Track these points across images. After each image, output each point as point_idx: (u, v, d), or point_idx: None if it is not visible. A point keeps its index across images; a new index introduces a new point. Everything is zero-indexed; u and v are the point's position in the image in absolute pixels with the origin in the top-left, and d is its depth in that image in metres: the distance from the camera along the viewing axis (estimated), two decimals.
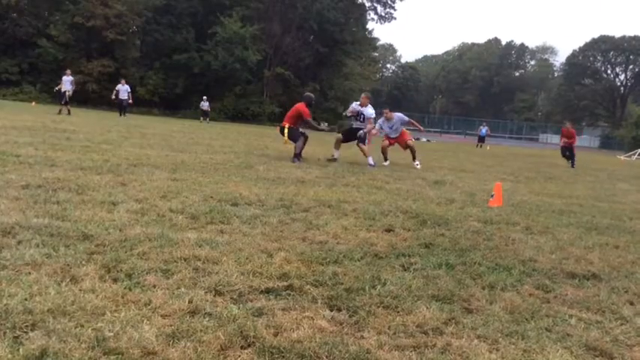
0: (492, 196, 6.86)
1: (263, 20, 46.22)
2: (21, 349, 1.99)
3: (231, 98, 45.03)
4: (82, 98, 37.63)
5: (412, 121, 13.08)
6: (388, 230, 4.66)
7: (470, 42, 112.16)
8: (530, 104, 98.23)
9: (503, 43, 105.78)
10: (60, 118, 18.22)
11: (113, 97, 26.40)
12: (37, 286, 2.59)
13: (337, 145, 11.81)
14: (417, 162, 11.91)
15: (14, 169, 5.91)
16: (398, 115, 12.49)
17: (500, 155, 24.32)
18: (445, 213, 5.75)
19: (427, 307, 2.82)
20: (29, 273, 2.76)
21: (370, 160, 11.14)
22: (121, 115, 25.75)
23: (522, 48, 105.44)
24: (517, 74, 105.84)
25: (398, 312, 2.75)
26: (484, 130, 36.33)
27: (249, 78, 45.34)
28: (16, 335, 2.10)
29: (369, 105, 11.87)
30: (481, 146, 34.14)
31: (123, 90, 25.97)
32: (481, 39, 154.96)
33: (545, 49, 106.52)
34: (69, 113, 21.28)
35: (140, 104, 41.25)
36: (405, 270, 3.52)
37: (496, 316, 2.82)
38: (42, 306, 2.35)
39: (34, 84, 38.87)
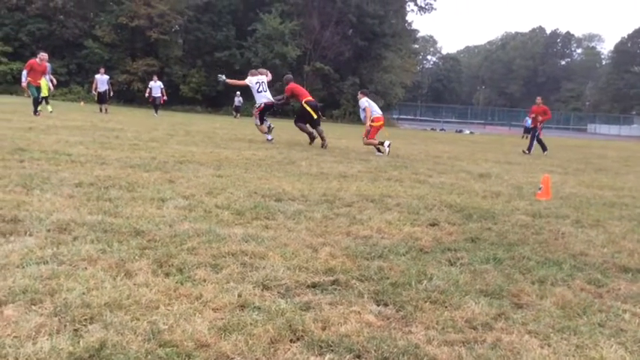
0: (540, 188, 6.70)
1: (302, 16, 46.29)
2: (81, 342, 2.07)
3: (272, 94, 45.31)
4: (127, 97, 38.67)
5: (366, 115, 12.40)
6: (433, 224, 4.63)
7: (513, 31, 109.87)
8: (577, 94, 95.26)
9: (548, 31, 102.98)
10: (108, 117, 18.76)
11: (147, 95, 25.95)
12: (94, 280, 2.69)
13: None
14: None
15: (67, 167, 6.13)
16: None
17: (547, 146, 23.67)
18: (491, 207, 5.67)
19: (476, 302, 2.80)
20: (86, 268, 2.87)
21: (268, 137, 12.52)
22: (102, 110, 22.58)
23: (568, 36, 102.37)
24: (563, 63, 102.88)
25: (446, 307, 2.73)
26: (530, 121, 35.44)
27: (288, 73, 45.56)
28: (75, 328, 2.19)
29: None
30: (527, 137, 33.34)
31: (155, 87, 25.44)
32: (525, 28, 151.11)
33: (592, 37, 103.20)
34: (106, 112, 21.74)
35: (183, 102, 42.14)
36: (452, 265, 3.50)
37: (547, 312, 2.77)
38: (99, 300, 2.45)
39: (82, 84, 40.11)
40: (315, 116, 12.80)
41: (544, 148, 16.93)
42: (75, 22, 41.92)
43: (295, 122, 13.53)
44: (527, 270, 3.47)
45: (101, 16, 42.16)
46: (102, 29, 41.43)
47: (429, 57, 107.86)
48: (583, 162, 14.38)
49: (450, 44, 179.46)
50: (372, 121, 12.06)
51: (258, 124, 13.13)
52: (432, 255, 3.68)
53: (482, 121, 64.58)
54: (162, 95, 25.62)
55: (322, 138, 12.40)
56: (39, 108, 15.99)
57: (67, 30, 41.59)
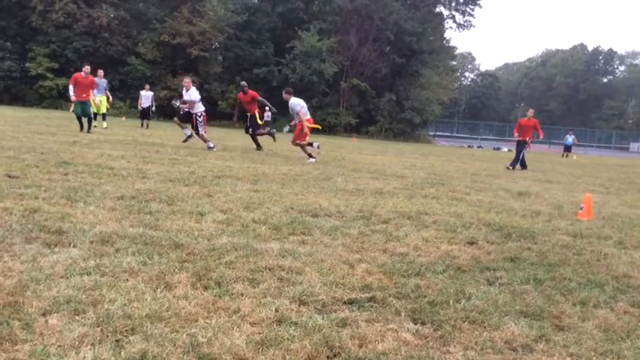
0: (582, 208, 6.54)
1: (340, 33, 46.66)
2: (122, 353, 2.12)
3: (309, 110, 45.62)
4: (168, 112, 39.48)
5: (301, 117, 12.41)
6: (471, 243, 4.56)
7: (554, 48, 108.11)
8: (619, 112, 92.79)
9: (590, 48, 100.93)
10: (149, 132, 19.21)
11: (138, 104, 23.68)
12: (135, 292, 2.75)
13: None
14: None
15: (109, 180, 6.30)
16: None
17: (588, 165, 23.14)
18: (531, 226, 5.55)
19: (515, 323, 2.74)
20: (127, 280, 2.94)
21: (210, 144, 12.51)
22: (142, 125, 22.57)
23: (610, 53, 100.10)
24: (605, 80, 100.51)
25: (484, 327, 2.69)
26: (570, 138, 34.66)
27: (325, 90, 45.86)
28: (117, 339, 2.24)
29: (193, 88, 12.90)
30: (567, 156, 32.64)
31: (146, 97, 23.24)
32: (565, 45, 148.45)
33: (636, 54, 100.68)
34: (147, 127, 22.19)
35: (221, 117, 42.83)
36: (491, 284, 3.44)
37: (589, 334, 2.69)
38: (140, 311, 2.49)
39: (124, 100, 41.23)
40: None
41: (523, 166, 15.53)
42: (119, 40, 43.23)
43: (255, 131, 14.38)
44: (568, 291, 3.39)
45: (144, 33, 43.37)
46: (144, 46, 42.61)
47: (467, 74, 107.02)
48: (626, 181, 13.96)
49: (488, 61, 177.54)
50: (308, 122, 12.15)
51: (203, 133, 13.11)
52: (470, 274, 3.63)
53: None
54: (152, 106, 23.56)
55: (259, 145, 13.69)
56: (94, 124, 16.16)
57: (111, 47, 42.91)
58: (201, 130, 12.84)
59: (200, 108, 12.89)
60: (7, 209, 4.24)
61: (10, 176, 5.86)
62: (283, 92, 12.84)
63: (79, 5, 41.62)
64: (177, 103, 13.16)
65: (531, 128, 15.64)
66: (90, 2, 42.73)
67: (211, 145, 12.68)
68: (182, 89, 13.29)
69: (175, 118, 13.52)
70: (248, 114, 14.46)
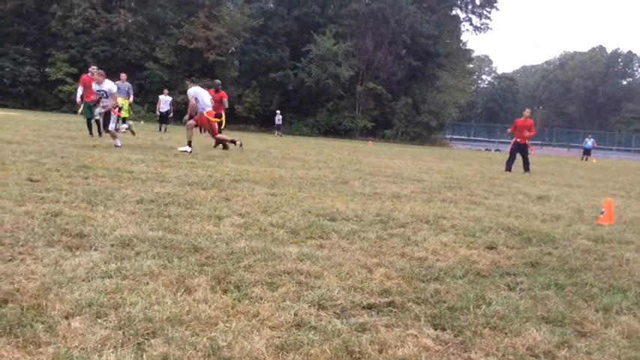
0: (602, 212, 6.45)
1: (355, 36, 46.75)
2: (144, 356, 2.13)
3: (324, 114, 45.85)
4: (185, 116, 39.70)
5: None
6: (490, 248, 4.52)
7: (572, 51, 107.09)
8: (639, 114, 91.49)
9: (609, 51, 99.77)
10: (167, 136, 19.38)
11: (157, 109, 24.08)
12: (155, 295, 2.77)
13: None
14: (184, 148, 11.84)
15: (129, 184, 6.36)
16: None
17: (608, 169, 22.85)
18: (551, 230, 5.49)
19: (537, 330, 2.71)
20: (147, 283, 2.96)
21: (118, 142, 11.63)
22: (161, 129, 23.08)
23: (630, 56, 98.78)
24: (624, 83, 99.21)
25: (506, 333, 2.66)
26: (590, 142, 34.29)
27: (341, 93, 45.96)
28: (139, 342, 2.25)
29: (106, 80, 12.06)
30: (587, 159, 32.31)
31: (165, 101, 23.73)
32: (584, 47, 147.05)
33: None
34: (165, 131, 22.37)
35: (238, 121, 43.10)
36: (511, 290, 3.40)
37: (612, 341, 2.65)
38: (161, 315, 2.51)
39: (142, 104, 41.66)
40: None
41: (526, 168, 15.14)
42: (137, 45, 43.74)
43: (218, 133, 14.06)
44: (590, 297, 3.34)
45: (162, 38, 43.82)
46: (162, 51, 43.04)
47: (484, 76, 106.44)
48: None
49: (506, 64, 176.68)
50: (208, 115, 12.13)
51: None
52: (490, 279, 3.60)
53: (539, 142, 62.82)
54: (171, 110, 24.12)
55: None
56: (125, 127, 16.19)
57: (129, 52, 43.42)
58: (111, 126, 11.93)
59: (109, 102, 11.93)
60: (29, 213, 4.30)
61: (31, 180, 5.94)
62: (189, 83, 13.00)
63: (98, 11, 42.25)
64: (97, 113, 12.17)
65: (528, 128, 15.17)
66: (108, 8, 43.38)
67: (118, 144, 11.65)
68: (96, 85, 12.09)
69: (186, 119, 12.96)
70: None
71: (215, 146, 13.71)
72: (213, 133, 12.55)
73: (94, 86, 12.10)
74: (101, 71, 12.42)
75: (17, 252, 3.30)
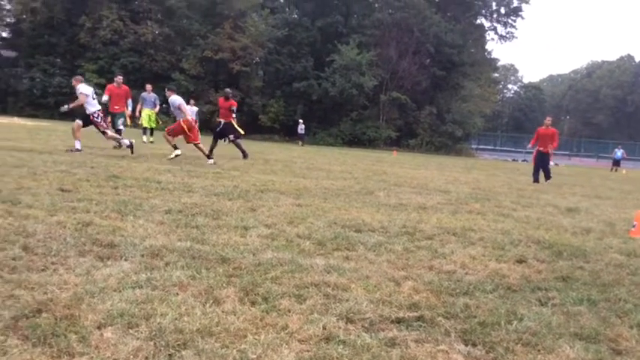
0: (634, 225, 6.31)
1: (379, 46, 46.77)
2: None
3: (348, 123, 45.87)
4: (211, 126, 40.15)
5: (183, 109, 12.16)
6: (520, 261, 4.45)
7: (599, 59, 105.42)
8: None
9: (637, 59, 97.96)
10: (192, 146, 19.53)
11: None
12: (185, 306, 2.78)
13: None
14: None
15: (157, 194, 6.44)
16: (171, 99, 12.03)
17: (638, 180, 22.35)
18: (582, 244, 5.38)
19: (570, 347, 2.65)
20: (177, 294, 2.98)
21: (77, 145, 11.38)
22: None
23: None
24: None
25: (538, 350, 2.61)
26: (620, 152, 33.65)
27: (365, 103, 45.97)
28: (170, 353, 2.27)
29: (81, 84, 11.95)
30: (616, 170, 31.71)
31: (191, 112, 24.05)
32: (612, 56, 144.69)
33: None
34: None
35: (262, 131, 43.39)
36: (543, 305, 3.34)
37: None
38: (191, 326, 2.52)
39: (168, 114, 42.21)
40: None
41: (547, 177, 14.86)
42: (164, 56, 44.43)
43: (236, 138, 14.39)
44: (624, 313, 3.26)
45: (188, 49, 44.43)
46: (188, 62, 43.63)
47: (509, 86, 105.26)
48: None
49: (532, 73, 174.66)
50: (183, 121, 11.89)
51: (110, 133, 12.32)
52: (521, 294, 3.54)
53: (566, 153, 61.80)
54: (197, 121, 24.20)
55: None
56: (145, 139, 16.21)
57: (156, 63, 44.12)
58: (106, 129, 11.96)
59: (94, 107, 11.83)
60: (61, 222, 4.38)
61: (63, 190, 6.06)
62: (166, 89, 12.60)
63: (126, 22, 43.07)
64: (66, 107, 12.20)
65: (550, 137, 14.91)
66: (136, 19, 44.19)
67: (127, 143, 11.77)
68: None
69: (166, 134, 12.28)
70: (222, 120, 14.40)
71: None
72: (194, 139, 12.32)
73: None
74: (78, 76, 12.49)
75: (50, 262, 3.36)
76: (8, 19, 49.11)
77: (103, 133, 11.93)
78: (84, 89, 11.81)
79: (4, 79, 44.07)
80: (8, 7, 47.34)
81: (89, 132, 13.06)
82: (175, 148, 11.56)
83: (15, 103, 42.23)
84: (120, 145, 12.31)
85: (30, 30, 43.42)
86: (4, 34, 49.96)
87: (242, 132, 14.33)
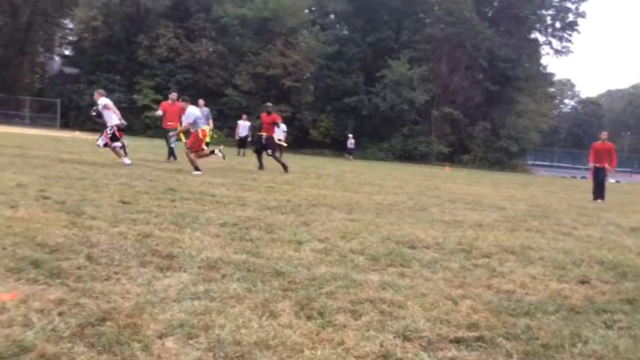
0: None
1: (431, 61, 46.38)
2: None
3: (399, 138, 45.55)
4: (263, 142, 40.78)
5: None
6: (583, 282, 4.27)
7: None
8: None
9: None
10: (245, 160, 19.90)
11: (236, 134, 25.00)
12: (242, 318, 2.81)
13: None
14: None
15: (212, 207, 6.56)
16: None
17: None
18: None
19: None
20: (234, 306, 3.01)
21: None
22: (239, 154, 23.53)
23: None
24: None
25: None
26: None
27: (416, 118, 45.59)
28: None
29: (102, 98, 11.95)
30: None
31: (244, 126, 24.64)
32: None
33: None
34: (244, 155, 22.93)
35: (313, 146, 43.67)
36: (608, 328, 3.19)
37: None
38: (248, 338, 2.54)
39: (221, 129, 43.15)
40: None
41: (600, 196, 14.24)
42: (217, 72, 45.51)
43: (274, 152, 14.90)
44: None
45: (240, 66, 45.34)
46: (241, 78, 44.50)
47: (566, 101, 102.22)
48: None
49: (589, 88, 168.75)
50: (201, 133, 11.67)
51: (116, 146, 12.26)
52: (585, 316, 3.39)
53: (628, 170, 59.24)
54: (249, 136, 24.31)
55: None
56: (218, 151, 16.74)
57: (210, 79, 45.24)
58: (100, 142, 12.12)
59: (114, 121, 12.01)
60: (123, 233, 4.52)
61: (123, 202, 6.27)
62: (180, 100, 12.65)
63: (181, 40, 44.42)
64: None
65: (607, 152, 14.27)
66: (191, 37, 45.49)
67: (127, 162, 11.86)
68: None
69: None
70: (264, 134, 14.82)
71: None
72: (190, 146, 12.08)
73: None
74: (100, 89, 12.81)
75: (113, 271, 3.47)
76: (71, 38, 51.70)
77: (105, 145, 12.16)
78: (106, 102, 12.13)
79: (67, 95, 46.12)
80: (70, 25, 49.82)
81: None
82: (197, 169, 11.28)
83: (77, 117, 43.98)
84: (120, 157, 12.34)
85: (91, 48, 45.31)
86: (67, 52, 52.62)
87: (285, 144, 14.77)
